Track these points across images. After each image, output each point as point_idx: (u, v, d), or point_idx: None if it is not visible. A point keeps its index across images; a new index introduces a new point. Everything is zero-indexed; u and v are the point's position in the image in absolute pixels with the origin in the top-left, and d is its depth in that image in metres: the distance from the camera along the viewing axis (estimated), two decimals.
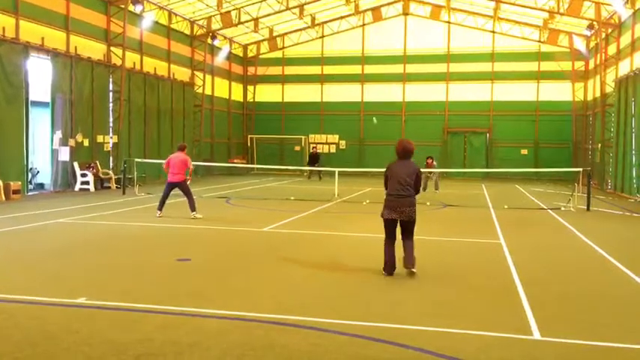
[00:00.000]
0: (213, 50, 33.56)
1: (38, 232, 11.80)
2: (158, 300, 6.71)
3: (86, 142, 22.66)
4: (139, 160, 23.36)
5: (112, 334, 5.48)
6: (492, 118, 35.09)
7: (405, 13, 35.79)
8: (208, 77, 33.18)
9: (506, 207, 18.03)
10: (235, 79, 37.65)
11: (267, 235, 12.03)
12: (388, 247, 8.35)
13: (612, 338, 5.64)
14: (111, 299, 6.63)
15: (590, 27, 28.59)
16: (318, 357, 5.04)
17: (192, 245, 10.64)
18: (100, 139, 23.62)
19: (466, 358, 5.06)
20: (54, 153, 21.10)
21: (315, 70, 37.39)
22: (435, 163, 23.83)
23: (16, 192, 18.06)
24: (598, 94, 29.10)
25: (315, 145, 34.84)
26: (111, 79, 24.55)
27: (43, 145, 21.45)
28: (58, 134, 21.12)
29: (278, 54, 38.09)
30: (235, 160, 35.07)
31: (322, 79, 37.36)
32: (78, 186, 21.65)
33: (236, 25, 32.11)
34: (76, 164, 21.79)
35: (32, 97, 20.08)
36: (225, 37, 34.54)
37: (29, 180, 20.31)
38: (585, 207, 17.15)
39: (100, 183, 22.58)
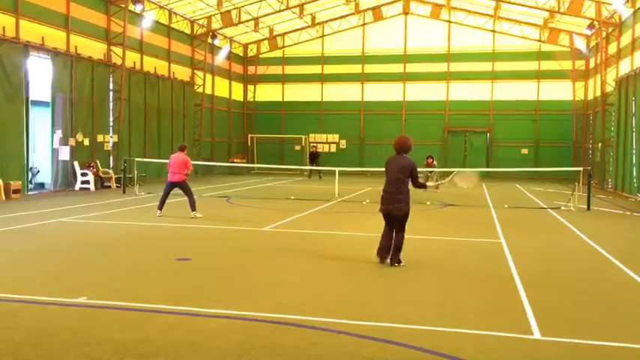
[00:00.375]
0: (214, 49, 33.55)
1: (38, 231, 11.80)
2: (158, 300, 6.71)
3: (86, 142, 22.66)
4: (139, 159, 23.37)
5: (112, 334, 5.48)
6: (493, 117, 35.09)
7: (406, 13, 35.78)
8: (208, 77, 33.18)
9: (506, 206, 18.02)
10: (235, 79, 37.65)
11: (267, 234, 12.02)
12: (383, 234, 8.82)
13: (613, 338, 5.63)
14: (111, 299, 6.63)
15: (591, 26, 28.57)
16: (317, 356, 5.04)
17: (193, 245, 10.64)
18: (100, 138, 23.63)
19: (466, 357, 5.05)
20: (54, 152, 21.11)
21: (315, 69, 37.38)
22: (435, 162, 23.83)
23: (16, 191, 18.07)
24: (598, 94, 29.09)
25: (315, 145, 34.87)
26: (111, 79, 24.55)
27: (44, 145, 21.45)
28: (59, 134, 21.13)
29: (278, 53, 38.09)
30: (235, 160, 35.09)
31: (322, 78, 37.36)
32: (78, 185, 21.65)
33: (236, 25, 32.12)
34: (76, 164, 21.80)
35: (32, 96, 20.09)
36: (225, 37, 34.53)
37: (29, 179, 20.32)
38: (586, 206, 17.14)
39: (101, 182, 22.59)
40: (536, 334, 5.68)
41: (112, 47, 24.47)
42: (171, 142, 28.10)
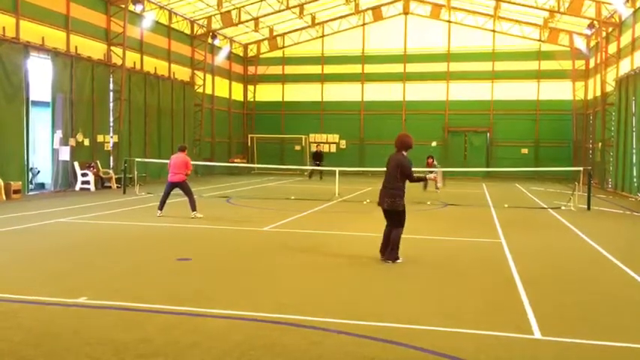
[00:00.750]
0: (214, 50, 33.56)
1: (39, 231, 11.81)
2: (159, 300, 6.72)
3: (86, 142, 22.66)
4: (140, 159, 23.37)
5: (112, 334, 5.48)
6: (493, 117, 35.10)
7: (406, 13, 35.79)
8: (209, 77, 33.19)
9: (506, 206, 18.03)
10: (235, 79, 37.65)
11: (267, 234, 12.03)
12: (384, 231, 9.10)
13: (613, 337, 5.64)
14: (111, 299, 6.63)
15: (591, 26, 28.57)
16: (318, 356, 5.04)
17: (193, 245, 10.64)
18: (100, 138, 23.63)
19: (466, 357, 5.06)
20: (54, 153, 21.11)
21: (315, 69, 37.39)
22: (435, 162, 23.85)
23: (16, 192, 18.07)
24: (598, 93, 29.08)
25: (318, 144, 34.84)
26: (111, 79, 24.55)
27: (44, 145, 21.45)
28: (59, 134, 21.13)
29: (278, 53, 38.10)
30: (236, 160, 35.09)
31: (322, 78, 37.37)
32: (78, 186, 21.66)
33: (236, 25, 32.13)
34: (76, 164, 21.80)
35: (32, 96, 20.08)
36: (225, 37, 34.54)
37: (30, 180, 20.31)
38: (586, 206, 17.15)
39: (101, 183, 22.60)
40: (537, 334, 5.69)
41: (112, 47, 24.47)
42: (172, 143, 28.10)
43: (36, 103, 20.69)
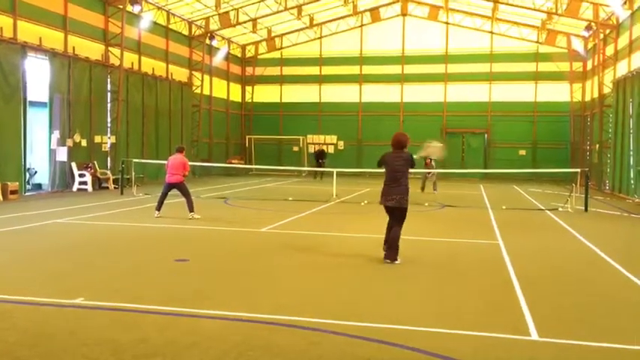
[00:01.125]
0: (212, 50, 33.55)
1: (36, 232, 11.78)
2: (156, 300, 6.71)
3: (84, 143, 22.63)
4: (137, 160, 23.34)
5: (110, 335, 5.47)
6: (490, 118, 35.14)
7: (404, 14, 35.81)
8: (206, 77, 33.18)
9: (504, 207, 18.05)
10: (233, 80, 37.65)
11: (265, 235, 12.02)
12: (388, 228, 9.13)
13: (610, 339, 5.64)
14: (109, 300, 6.62)
15: (588, 28, 28.62)
16: (316, 357, 5.04)
17: (191, 246, 10.63)
18: (97, 139, 23.59)
19: (463, 358, 5.06)
20: (52, 153, 21.07)
21: (313, 70, 37.41)
22: (433, 163, 23.84)
23: (13, 192, 18.03)
24: (596, 95, 29.14)
25: (321, 144, 34.84)
26: (109, 80, 24.51)
27: (41, 146, 21.41)
28: (56, 134, 21.09)
29: (276, 54, 38.10)
30: (233, 161, 35.05)
31: (320, 79, 37.38)
32: (76, 186, 21.62)
33: (234, 26, 32.11)
34: (73, 164, 21.77)
35: (30, 97, 20.03)
36: (223, 38, 34.53)
37: (27, 180, 20.27)
38: (583, 208, 17.17)
39: (98, 183, 22.56)
40: (534, 335, 5.69)
41: (110, 48, 24.44)
42: (169, 143, 28.07)
43: (33, 104, 20.65)
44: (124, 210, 15.77)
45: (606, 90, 27.35)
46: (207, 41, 32.09)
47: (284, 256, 9.66)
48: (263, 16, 32.26)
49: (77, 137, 22.15)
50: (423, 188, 23.11)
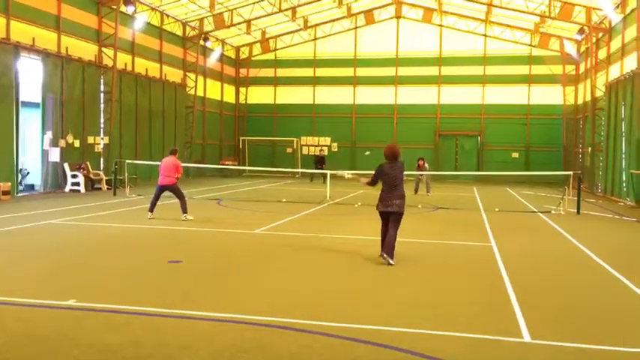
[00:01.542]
0: (206, 52, 33.51)
1: (28, 233, 11.72)
2: (149, 302, 6.69)
3: (77, 143, 22.54)
4: (130, 161, 23.26)
5: (101, 337, 5.45)
6: (484, 121, 35.24)
7: (397, 16, 35.89)
8: (200, 79, 33.12)
9: (497, 210, 18.10)
10: (227, 81, 37.61)
11: (258, 237, 12.01)
12: (383, 232, 9.45)
13: (602, 341, 5.67)
14: (101, 301, 6.59)
15: (581, 31, 28.78)
16: (308, 359, 5.03)
17: (184, 247, 10.61)
18: (90, 140, 23.50)
19: None
20: (44, 154, 20.97)
21: (307, 72, 37.42)
22: (426, 165, 23.89)
23: (5, 193, 17.95)
24: (588, 98, 29.28)
25: (321, 148, 34.85)
26: (102, 80, 24.43)
27: (34, 146, 21.32)
28: (49, 135, 21.01)
29: (270, 56, 38.09)
30: (227, 162, 35.01)
31: (314, 81, 37.39)
32: (68, 187, 21.53)
33: (228, 27, 32.09)
34: (66, 165, 21.68)
35: (22, 97, 19.95)
36: (217, 39, 34.49)
37: (19, 181, 20.17)
38: (575, 210, 17.24)
39: (91, 184, 22.47)
40: (526, 337, 5.71)
41: (104, 48, 24.36)
42: (163, 144, 28.00)
43: (26, 104, 20.56)
44: (117, 211, 15.72)
45: (599, 93, 27.49)
46: (201, 42, 32.06)
47: (277, 258, 9.65)
48: (257, 18, 32.26)
49: (70, 138, 22.06)
50: (416, 190, 23.15)
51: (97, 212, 15.22)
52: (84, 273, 8.24)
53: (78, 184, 21.55)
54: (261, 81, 38.43)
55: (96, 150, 23.95)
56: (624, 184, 22.31)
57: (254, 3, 30.33)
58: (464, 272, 8.87)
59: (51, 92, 21.07)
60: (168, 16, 29.48)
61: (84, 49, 23.26)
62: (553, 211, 17.55)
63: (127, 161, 22.65)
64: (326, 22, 36.24)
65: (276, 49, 37.83)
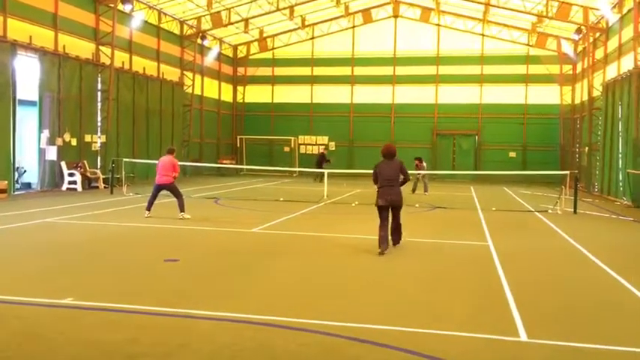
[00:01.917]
0: (203, 50, 33.48)
1: (25, 231, 11.71)
2: (146, 301, 6.69)
3: (74, 142, 22.50)
4: (128, 159, 23.23)
5: (99, 335, 5.45)
6: (481, 120, 35.28)
7: (395, 16, 35.90)
8: (198, 77, 33.10)
9: (494, 209, 18.13)
10: (225, 80, 37.57)
11: (256, 235, 12.01)
12: (381, 228, 9.99)
13: (598, 340, 5.69)
14: (98, 300, 6.59)
15: (578, 31, 28.80)
16: (306, 358, 5.04)
17: (181, 246, 10.60)
18: (87, 138, 23.46)
19: (452, 359, 5.08)
20: (41, 152, 20.94)
21: (305, 71, 37.40)
22: (424, 164, 23.93)
23: (2, 191, 17.90)
24: (585, 98, 29.33)
25: (326, 147, 34.80)
26: (99, 79, 24.39)
27: (30, 144, 21.27)
28: (46, 133, 20.96)
29: (268, 55, 38.06)
30: (224, 161, 34.98)
31: (312, 80, 37.37)
32: (65, 185, 21.49)
33: (226, 26, 32.05)
34: (63, 164, 21.64)
35: (19, 95, 19.91)
36: (215, 38, 34.46)
37: (16, 179, 20.14)
38: (572, 210, 17.28)
39: (88, 183, 22.42)
40: (523, 336, 5.72)
41: (101, 47, 24.32)
42: (160, 143, 27.97)
43: (23, 102, 20.51)
44: (114, 210, 15.70)
45: (596, 93, 27.54)
46: (199, 41, 32.02)
47: (274, 257, 9.65)
48: (255, 17, 32.22)
49: (67, 136, 22.02)
50: (414, 190, 23.18)
51: (94, 211, 15.20)
52: (81, 271, 8.24)
53: (75, 182, 21.51)
54: (259, 80, 38.40)
55: (93, 148, 23.91)
56: (621, 184, 22.37)
57: (252, 1, 30.29)
58: (461, 271, 8.89)
59: (48, 90, 21.03)
60: (165, 14, 29.43)
61: (81, 48, 23.21)
62: (550, 211, 17.59)
63: (125, 160, 22.62)
64: (323, 21, 36.21)
65: (273, 48, 37.81)
